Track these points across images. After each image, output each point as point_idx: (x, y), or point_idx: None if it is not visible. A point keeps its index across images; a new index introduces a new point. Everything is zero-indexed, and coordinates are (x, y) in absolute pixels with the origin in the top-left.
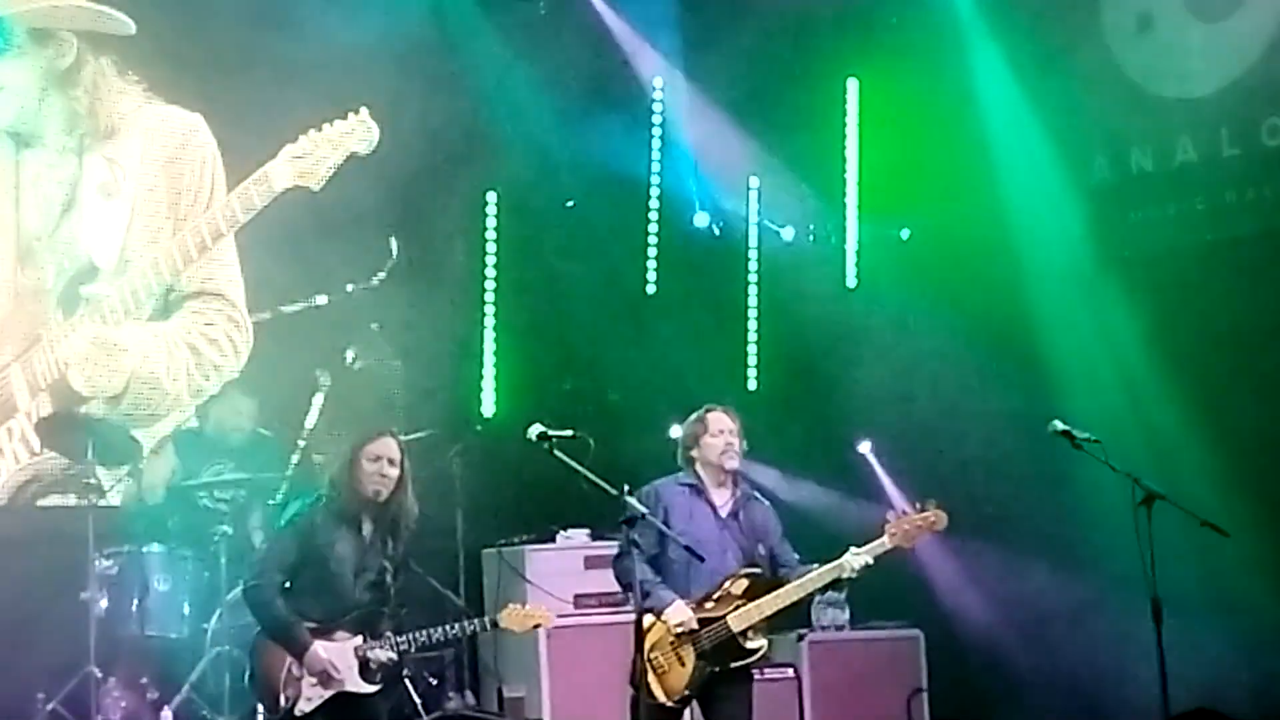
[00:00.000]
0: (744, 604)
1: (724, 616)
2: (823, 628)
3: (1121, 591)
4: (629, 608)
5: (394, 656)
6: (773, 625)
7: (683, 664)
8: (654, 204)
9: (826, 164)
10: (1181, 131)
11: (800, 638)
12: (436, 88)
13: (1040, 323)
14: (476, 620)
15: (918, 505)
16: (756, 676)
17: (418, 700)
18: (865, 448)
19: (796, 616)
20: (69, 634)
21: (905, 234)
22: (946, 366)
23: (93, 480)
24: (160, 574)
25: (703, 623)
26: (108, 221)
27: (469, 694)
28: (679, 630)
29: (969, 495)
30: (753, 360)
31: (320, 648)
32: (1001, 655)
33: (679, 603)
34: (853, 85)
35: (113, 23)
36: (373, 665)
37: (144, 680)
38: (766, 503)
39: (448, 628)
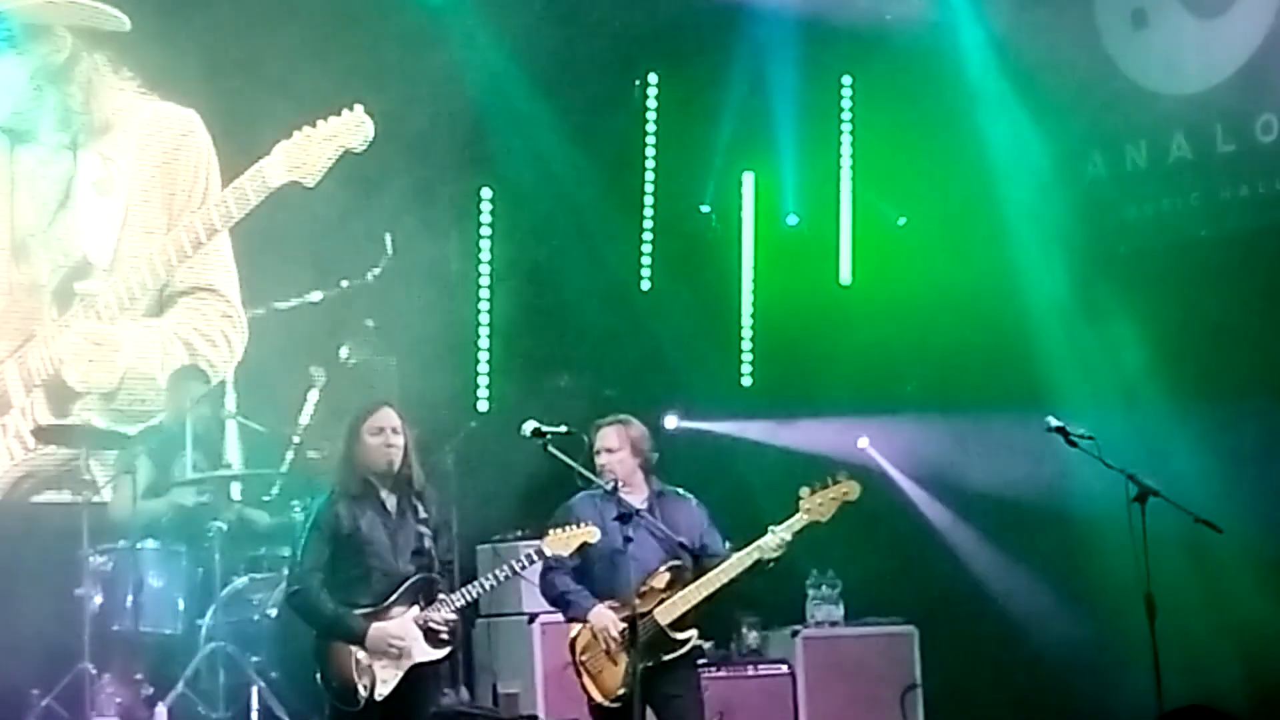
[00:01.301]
0: (668, 596)
1: (650, 611)
2: (817, 623)
3: (1115, 588)
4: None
5: (453, 616)
6: (768, 620)
7: (615, 663)
8: (649, 200)
9: (821, 159)
10: (1176, 128)
11: (795, 633)
12: (431, 84)
13: (1035, 319)
14: (524, 554)
15: (830, 479)
16: (750, 672)
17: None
18: (864, 443)
19: (790, 613)
20: (63, 630)
21: (902, 221)
22: (940, 363)
23: (87, 476)
24: (154, 570)
25: (629, 620)
26: (102, 218)
27: (464, 690)
28: (604, 632)
29: (961, 490)
30: (747, 355)
31: (379, 627)
32: (996, 652)
33: (599, 606)
34: (847, 81)
35: (107, 19)
36: (435, 630)
37: (138, 676)
38: (690, 497)
39: (498, 572)
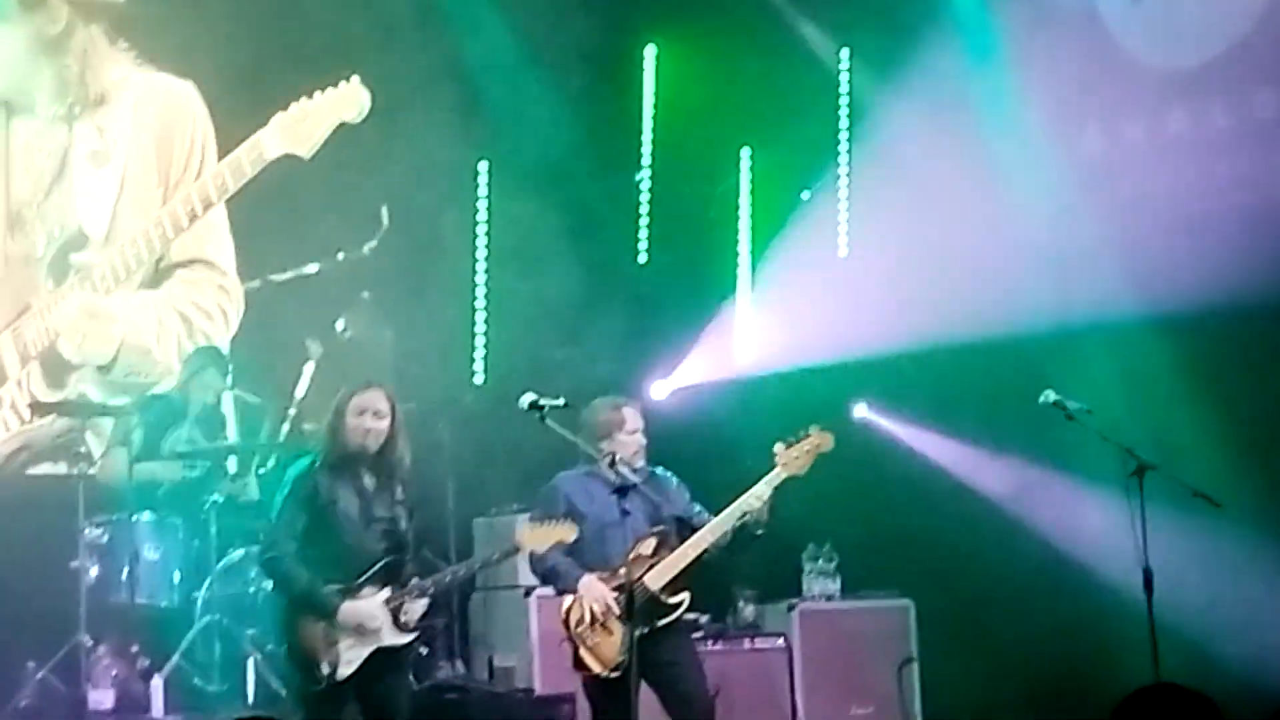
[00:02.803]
0: (656, 561)
1: (640, 578)
2: (813, 597)
3: (1112, 561)
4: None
5: (424, 601)
6: (764, 594)
7: (610, 633)
8: (645, 173)
9: (819, 132)
10: (1174, 103)
11: (791, 607)
12: (428, 56)
13: (1031, 293)
14: (499, 549)
15: (802, 432)
16: (747, 645)
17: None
18: (862, 410)
19: (787, 586)
20: (59, 602)
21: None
22: (938, 335)
23: (83, 449)
24: (150, 542)
25: (620, 590)
26: (98, 190)
27: (459, 663)
28: (596, 602)
29: (960, 465)
30: (743, 330)
31: (350, 606)
32: (991, 625)
33: (588, 577)
34: (845, 53)
35: None
36: (404, 615)
37: (134, 649)
38: (670, 475)
39: (471, 562)
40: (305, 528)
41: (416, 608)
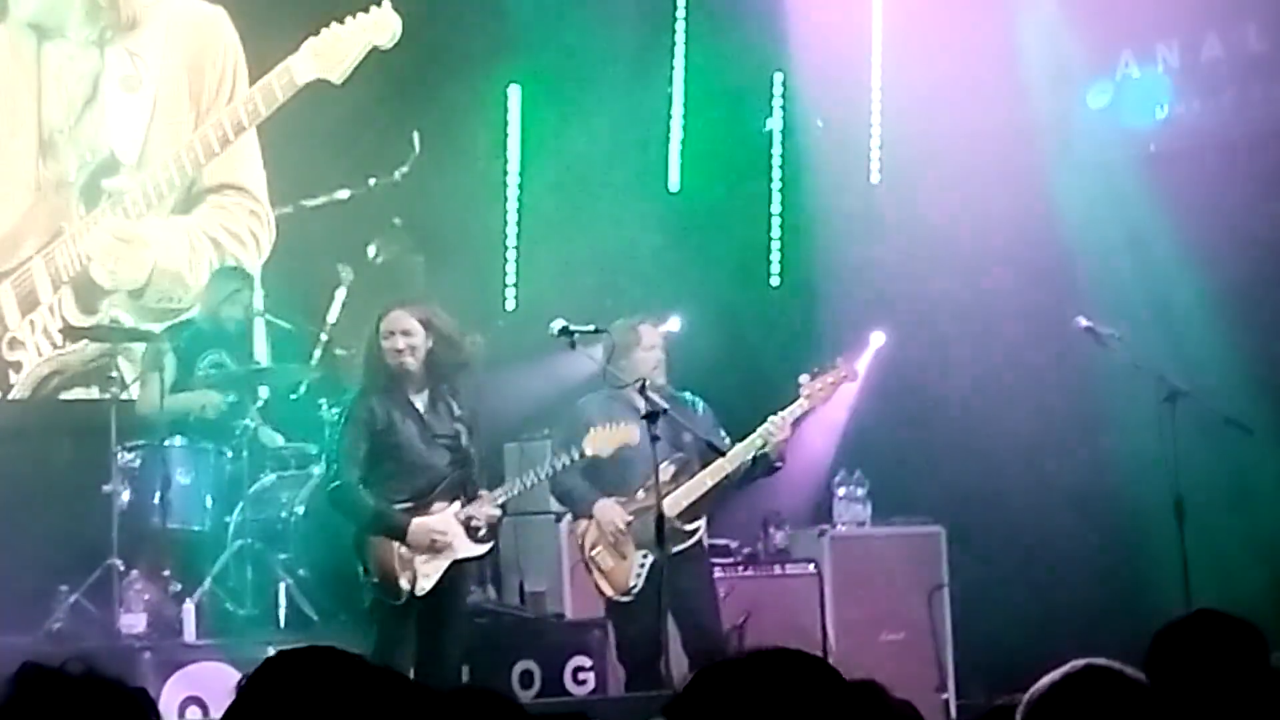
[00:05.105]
0: (674, 488)
1: (657, 504)
2: (844, 523)
3: (1144, 489)
4: (650, 501)
5: (496, 512)
6: (795, 520)
7: (623, 557)
8: (678, 99)
9: (850, 60)
10: (1208, 27)
11: (821, 534)
12: None
13: (1065, 218)
14: (564, 453)
15: (827, 364)
16: (777, 572)
17: None
18: (879, 339)
19: (817, 513)
20: (91, 527)
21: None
22: (969, 262)
23: (115, 373)
24: (182, 467)
25: (637, 514)
26: (129, 115)
27: (490, 588)
28: (610, 526)
29: (991, 390)
30: (775, 256)
31: (421, 522)
32: (1023, 551)
33: (604, 500)
34: None
35: None
36: (475, 525)
37: (166, 573)
38: (696, 400)
39: (538, 470)
40: (367, 453)
41: (487, 516)
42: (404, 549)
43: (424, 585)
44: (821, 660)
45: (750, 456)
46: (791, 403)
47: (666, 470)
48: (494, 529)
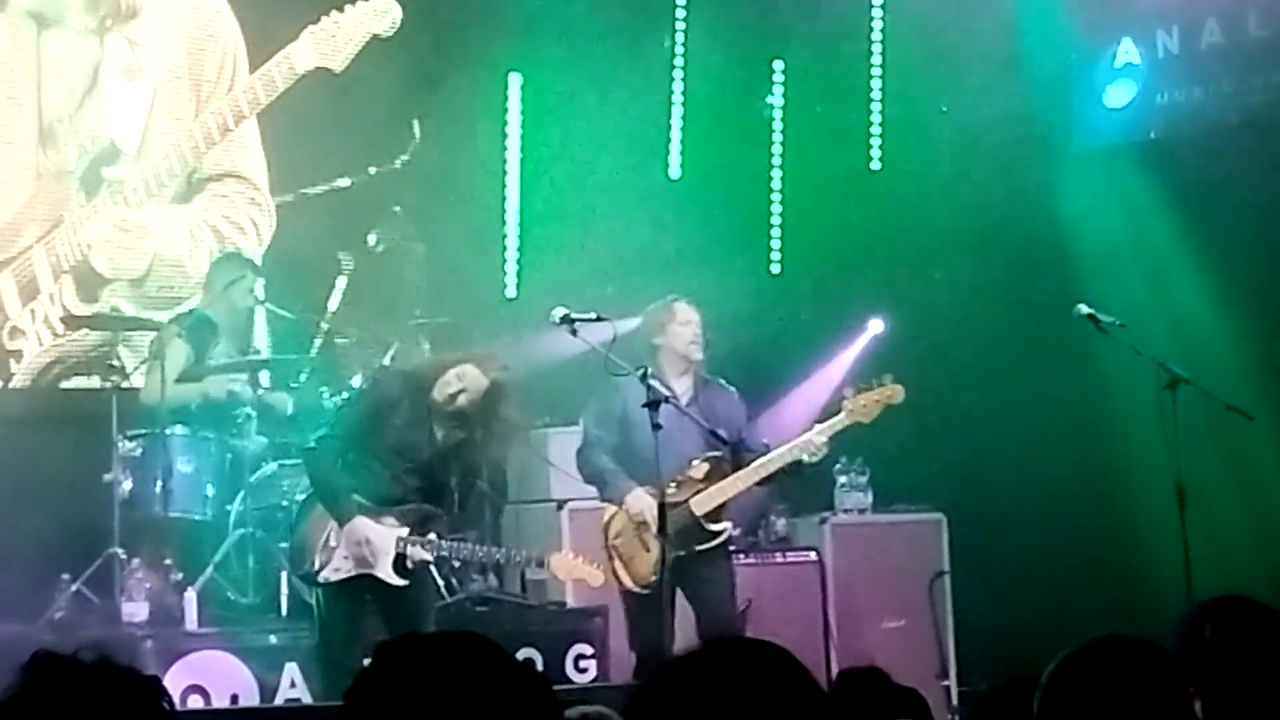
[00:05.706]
0: (705, 487)
1: (685, 501)
2: (845, 511)
3: (1145, 475)
4: (682, 496)
5: (428, 559)
6: (796, 508)
7: (647, 550)
8: (678, 87)
9: (851, 46)
10: (1209, 13)
11: (823, 521)
12: None
13: (1065, 205)
14: (524, 556)
15: (875, 380)
16: (779, 559)
17: (441, 583)
18: (876, 326)
19: (818, 500)
20: (93, 515)
21: (944, 109)
22: (970, 249)
23: (116, 362)
24: (183, 456)
25: (664, 508)
26: (130, 103)
27: (492, 576)
28: (639, 518)
29: (992, 378)
30: (776, 244)
31: (364, 522)
32: (1024, 539)
33: (638, 490)
34: None
35: None
36: (408, 561)
37: (167, 561)
38: (731, 389)
39: (494, 549)
40: (356, 435)
41: (419, 559)
42: (334, 536)
43: (328, 575)
44: (781, 649)
45: (785, 463)
46: (833, 415)
47: (700, 468)
48: (419, 573)
